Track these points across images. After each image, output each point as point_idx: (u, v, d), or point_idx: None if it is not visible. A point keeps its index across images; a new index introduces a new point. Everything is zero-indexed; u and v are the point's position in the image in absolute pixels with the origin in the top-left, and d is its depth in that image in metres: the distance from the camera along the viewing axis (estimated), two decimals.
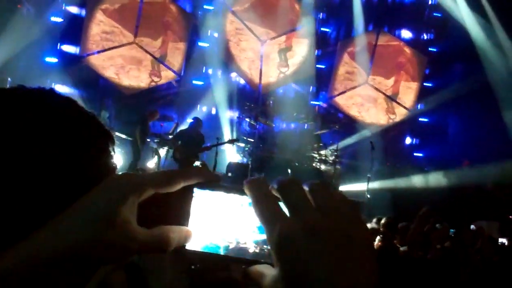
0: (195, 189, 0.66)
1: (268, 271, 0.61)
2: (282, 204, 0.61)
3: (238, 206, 0.67)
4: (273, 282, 0.58)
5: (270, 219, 0.60)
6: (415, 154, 13.62)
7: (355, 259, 0.56)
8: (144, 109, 11.47)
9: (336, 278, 0.54)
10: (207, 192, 0.67)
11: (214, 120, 12.67)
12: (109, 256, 0.59)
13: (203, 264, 0.68)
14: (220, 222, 0.66)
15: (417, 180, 11.97)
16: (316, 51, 12.81)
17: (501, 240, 6.75)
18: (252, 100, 12.13)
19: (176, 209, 0.65)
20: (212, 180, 0.67)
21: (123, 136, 10.81)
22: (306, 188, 0.62)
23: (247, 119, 11.89)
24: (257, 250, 0.66)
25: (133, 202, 0.60)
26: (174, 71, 12.36)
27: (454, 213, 10.14)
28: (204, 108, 12.83)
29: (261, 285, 0.61)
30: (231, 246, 0.66)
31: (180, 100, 12.64)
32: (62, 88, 12.17)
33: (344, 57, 12.70)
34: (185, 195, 0.66)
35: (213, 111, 12.88)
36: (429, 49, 13.33)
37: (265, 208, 0.61)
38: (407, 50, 12.92)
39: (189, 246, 0.65)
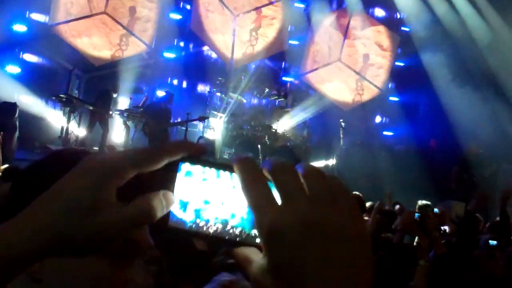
0: (183, 165, 0.62)
1: (256, 257, 0.59)
2: (273, 188, 0.58)
3: (228, 184, 0.63)
4: (261, 271, 0.56)
5: (260, 206, 0.56)
6: (384, 133, 13.77)
7: (349, 254, 0.53)
8: (114, 80, 11.32)
9: (328, 273, 0.52)
10: (196, 168, 0.63)
11: (184, 94, 12.57)
12: (92, 246, 0.57)
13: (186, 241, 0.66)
14: (209, 199, 0.62)
15: (385, 159, 12.14)
16: (289, 27, 12.72)
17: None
18: (223, 74, 12.03)
19: (160, 187, 0.61)
20: (197, 152, 0.62)
21: (91, 107, 10.67)
22: (300, 172, 0.58)
23: (218, 94, 11.82)
24: (245, 232, 0.62)
25: (114, 187, 0.57)
26: (144, 43, 12.15)
27: (422, 193, 10.35)
28: (175, 81, 12.71)
29: (248, 271, 0.59)
30: (219, 226, 0.62)
31: (151, 72, 12.47)
32: (30, 57, 11.89)
33: (317, 34, 12.64)
34: (169, 172, 0.61)
35: (184, 85, 12.76)
36: (402, 28, 13.37)
37: (256, 193, 0.57)
38: (380, 28, 12.93)
39: (172, 223, 0.62)
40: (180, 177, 0.62)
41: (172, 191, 0.61)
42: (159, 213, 0.59)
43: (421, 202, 8.22)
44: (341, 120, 11.10)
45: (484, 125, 11.84)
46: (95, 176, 0.57)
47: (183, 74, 12.65)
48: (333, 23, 12.63)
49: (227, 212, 0.63)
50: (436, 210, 7.57)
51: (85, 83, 12.42)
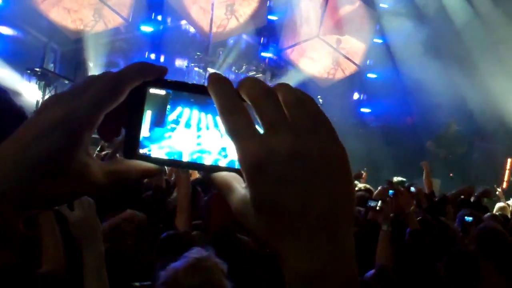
0: (153, 90, 0.58)
1: (237, 186, 0.56)
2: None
3: (203, 110, 0.59)
4: (243, 203, 0.54)
5: (241, 135, 0.52)
6: (361, 109, 13.83)
7: (332, 187, 0.51)
8: (89, 54, 11.17)
9: (310, 207, 0.50)
10: (167, 93, 0.58)
11: None
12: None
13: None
14: (184, 127, 0.59)
15: (362, 136, 12.23)
16: (268, 2, 12.61)
17: None
18: (202, 49, 11.94)
19: (128, 116, 0.57)
20: (160, 73, 0.58)
21: (66, 81, 10.55)
22: (281, 99, 0.54)
23: (196, 69, 11.74)
24: (224, 159, 0.59)
25: (88, 139, 0.53)
26: (121, 16, 11.95)
27: (398, 169, 10.48)
28: (153, 56, 12.55)
29: (228, 199, 0.56)
30: (195, 153, 0.59)
31: (128, 46, 12.31)
32: (4, 30, 11.63)
33: (296, 9, 12.56)
34: (135, 99, 0.57)
35: (162, 59, 12.63)
36: (380, 4, 13.31)
37: (236, 121, 0.53)
38: (358, 4, 12.87)
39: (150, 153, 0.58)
40: (154, 103, 0.58)
41: (140, 123, 0.58)
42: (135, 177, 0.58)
43: (396, 179, 8.35)
44: (318, 96, 11.11)
45: (459, 103, 11.96)
46: (66, 131, 0.51)
47: (160, 49, 12.49)
48: None
49: (206, 140, 0.60)
50: (412, 188, 7.62)
51: (61, 57, 12.21)
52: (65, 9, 11.70)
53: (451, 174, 11.89)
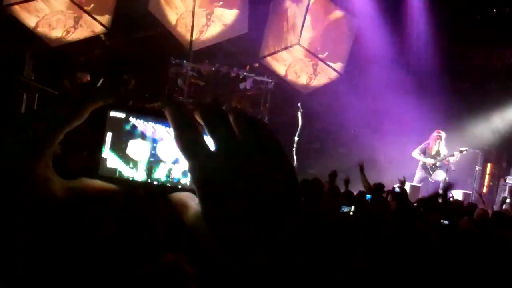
0: (113, 113, 0.62)
1: (192, 203, 0.59)
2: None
3: (165, 133, 0.63)
4: (196, 217, 0.57)
5: (193, 153, 0.56)
6: None
7: (280, 200, 0.55)
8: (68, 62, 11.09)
9: (259, 222, 0.53)
10: (126, 115, 0.62)
11: None
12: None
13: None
14: (146, 149, 0.63)
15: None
16: (249, 9, 12.63)
17: None
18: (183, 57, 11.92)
19: (89, 137, 0.61)
20: (118, 96, 0.62)
21: (49, 90, 10.44)
22: (231, 117, 0.59)
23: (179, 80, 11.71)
24: (182, 179, 0.63)
25: (48, 154, 0.56)
26: (102, 24, 11.91)
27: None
28: None
29: (183, 217, 0.59)
30: (150, 163, 0.63)
31: (109, 55, 12.24)
32: None
33: (276, 17, 12.61)
34: (97, 121, 0.61)
35: None
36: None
37: (188, 138, 0.57)
38: (339, 12, 12.97)
39: (104, 171, 0.62)
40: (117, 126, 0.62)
41: (102, 144, 0.61)
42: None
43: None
44: (299, 103, 11.18)
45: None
46: (29, 144, 0.54)
47: None
48: (293, 6, 12.60)
49: (166, 163, 0.64)
50: (396, 189, 7.58)
51: (40, 64, 12.10)
52: (44, 19, 11.62)
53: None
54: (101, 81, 11.27)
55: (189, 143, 0.57)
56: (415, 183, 10.84)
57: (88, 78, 11.25)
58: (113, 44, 12.21)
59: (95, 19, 11.85)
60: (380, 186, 7.27)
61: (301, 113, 11.07)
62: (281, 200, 0.55)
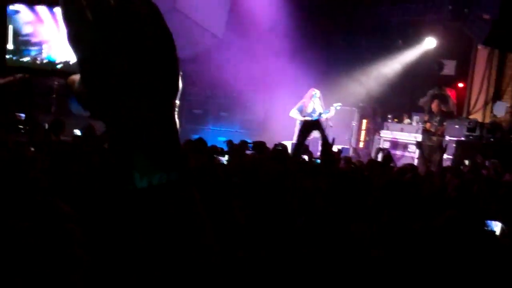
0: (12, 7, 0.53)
1: (77, 77, 0.67)
2: None
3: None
4: (78, 83, 0.65)
5: (71, 20, 0.62)
6: None
7: (149, 54, 0.61)
8: None
9: (138, 73, 0.60)
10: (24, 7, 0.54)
11: None
12: None
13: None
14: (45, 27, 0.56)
15: None
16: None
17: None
18: None
19: None
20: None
21: None
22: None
23: None
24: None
25: None
26: None
27: None
28: None
29: (73, 89, 0.67)
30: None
31: None
32: None
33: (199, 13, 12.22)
34: None
35: None
36: None
37: (70, 10, 0.62)
38: None
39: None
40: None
41: (6, 38, 0.58)
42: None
43: None
44: None
45: None
46: None
47: None
48: None
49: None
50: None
51: None
52: None
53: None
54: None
55: (70, 11, 0.63)
56: (295, 140, 11.18)
57: None
58: None
59: None
60: (261, 144, 7.45)
61: (181, 75, 10.94)
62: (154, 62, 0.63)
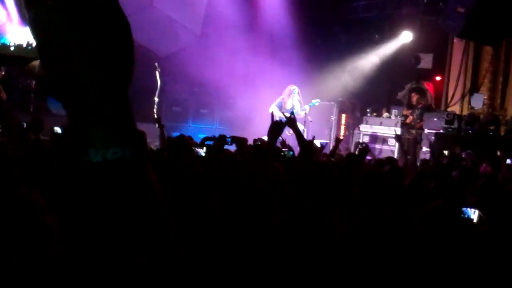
0: None
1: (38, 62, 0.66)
2: None
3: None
4: (38, 67, 0.64)
5: (31, 4, 0.61)
6: None
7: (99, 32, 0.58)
8: None
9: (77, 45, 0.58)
10: None
11: None
12: None
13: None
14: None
15: None
16: None
17: None
18: None
19: None
20: None
21: None
22: None
23: None
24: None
25: None
26: None
27: None
28: None
29: (34, 73, 0.66)
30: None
31: None
32: None
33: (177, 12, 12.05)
34: None
35: None
36: None
37: None
38: None
39: None
40: None
41: None
42: None
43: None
44: (156, 63, 11.05)
45: None
46: None
47: None
48: None
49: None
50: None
51: None
52: None
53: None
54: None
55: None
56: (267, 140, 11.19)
57: None
58: None
59: None
60: (240, 139, 7.43)
61: (159, 72, 10.96)
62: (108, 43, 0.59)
